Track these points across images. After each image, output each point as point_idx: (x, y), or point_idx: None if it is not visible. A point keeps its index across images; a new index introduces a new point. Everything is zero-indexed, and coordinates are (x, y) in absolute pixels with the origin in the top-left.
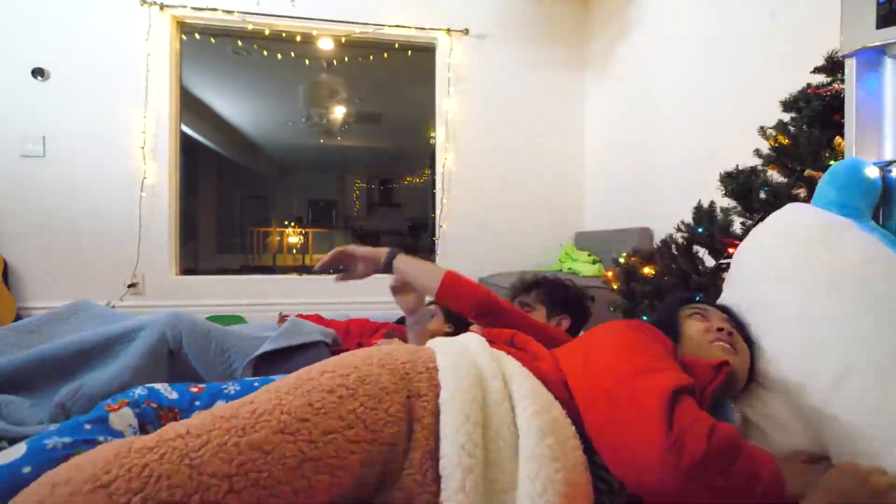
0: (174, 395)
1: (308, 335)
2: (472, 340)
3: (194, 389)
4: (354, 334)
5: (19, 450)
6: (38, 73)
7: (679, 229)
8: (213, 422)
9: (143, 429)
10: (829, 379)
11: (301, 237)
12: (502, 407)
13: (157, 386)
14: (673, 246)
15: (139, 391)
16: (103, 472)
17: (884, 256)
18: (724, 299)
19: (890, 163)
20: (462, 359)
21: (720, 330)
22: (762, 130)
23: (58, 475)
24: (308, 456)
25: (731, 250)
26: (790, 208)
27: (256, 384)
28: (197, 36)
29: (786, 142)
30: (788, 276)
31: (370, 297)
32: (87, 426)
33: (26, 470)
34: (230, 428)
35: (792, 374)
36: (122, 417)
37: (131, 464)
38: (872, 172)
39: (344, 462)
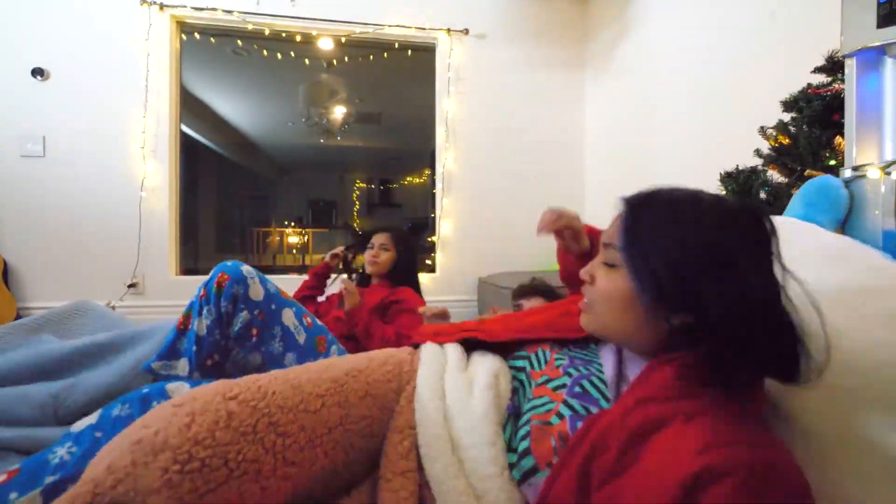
0: None
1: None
2: (451, 348)
3: None
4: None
5: None
6: (38, 73)
7: None
8: (280, 372)
9: None
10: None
11: (301, 237)
12: (459, 381)
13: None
14: None
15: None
16: (227, 390)
17: (854, 241)
18: None
19: (890, 163)
20: (434, 355)
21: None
22: (762, 130)
23: (174, 401)
24: (368, 392)
25: None
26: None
27: None
28: (197, 36)
29: (786, 142)
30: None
31: None
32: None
33: None
34: (300, 373)
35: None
36: None
37: (247, 386)
38: (842, 190)
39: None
